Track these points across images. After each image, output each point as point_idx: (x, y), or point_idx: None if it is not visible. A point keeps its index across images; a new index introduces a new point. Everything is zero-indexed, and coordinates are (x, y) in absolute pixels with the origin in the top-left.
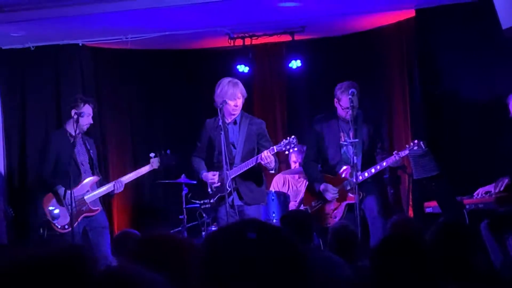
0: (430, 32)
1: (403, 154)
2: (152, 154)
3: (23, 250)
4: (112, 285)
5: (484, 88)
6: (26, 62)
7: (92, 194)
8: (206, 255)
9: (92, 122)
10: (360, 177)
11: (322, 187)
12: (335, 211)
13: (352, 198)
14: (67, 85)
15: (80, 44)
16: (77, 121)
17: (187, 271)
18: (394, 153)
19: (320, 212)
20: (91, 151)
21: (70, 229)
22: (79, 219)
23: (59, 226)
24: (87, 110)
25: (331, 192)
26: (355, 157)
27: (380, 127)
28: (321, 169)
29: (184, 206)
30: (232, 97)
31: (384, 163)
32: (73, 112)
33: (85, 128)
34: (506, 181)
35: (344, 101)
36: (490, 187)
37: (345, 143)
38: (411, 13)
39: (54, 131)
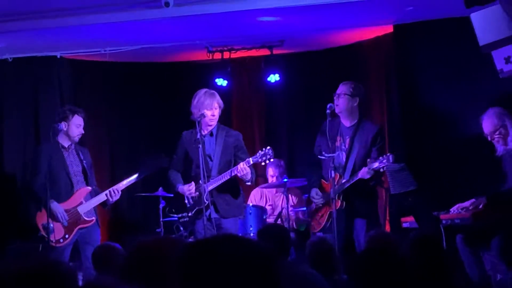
0: (408, 47)
1: (373, 167)
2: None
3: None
4: None
5: (461, 103)
6: (4, 74)
7: (86, 205)
8: (184, 269)
9: (83, 132)
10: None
11: (311, 192)
12: (321, 218)
13: (336, 205)
14: (46, 97)
15: (59, 56)
16: (66, 133)
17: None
18: (368, 161)
19: (313, 216)
20: (84, 161)
21: (64, 242)
22: (74, 231)
23: (54, 240)
24: (77, 120)
25: (315, 198)
26: (349, 162)
27: (377, 140)
28: (321, 174)
29: (161, 219)
30: (208, 107)
31: (358, 175)
32: (63, 124)
33: (76, 139)
34: (484, 201)
35: (339, 88)
36: (467, 203)
37: (325, 156)
38: (389, 29)
39: (45, 143)
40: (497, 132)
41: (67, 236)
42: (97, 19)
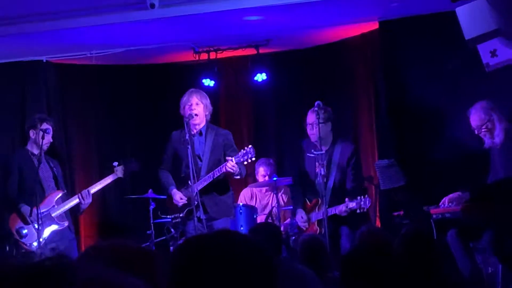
0: (394, 43)
1: (350, 206)
2: (115, 163)
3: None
4: None
5: (449, 98)
6: None
7: (59, 209)
8: (177, 264)
9: (51, 140)
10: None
11: (297, 214)
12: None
13: (313, 231)
14: (32, 101)
15: (44, 61)
16: (42, 137)
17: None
18: (344, 203)
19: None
20: (54, 168)
21: (38, 246)
22: (47, 234)
23: (27, 244)
24: (45, 128)
25: (301, 221)
26: (325, 188)
27: (351, 162)
28: (305, 193)
29: (151, 221)
30: (187, 102)
31: (335, 211)
32: (31, 132)
33: (45, 147)
34: (467, 196)
35: (308, 117)
36: (454, 195)
37: (314, 153)
38: (374, 25)
39: (16, 150)
40: (484, 127)
41: (40, 240)
42: (82, 22)
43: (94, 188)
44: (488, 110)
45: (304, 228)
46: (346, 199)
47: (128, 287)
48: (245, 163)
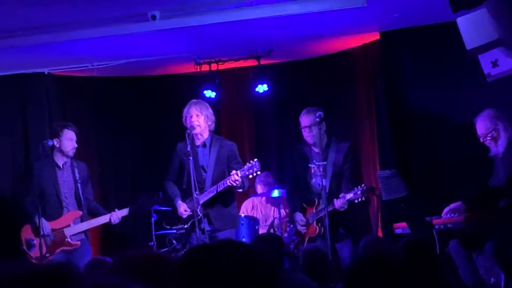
0: (395, 54)
1: (347, 198)
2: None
3: (5, 268)
4: None
5: (450, 108)
6: None
7: (74, 228)
8: (184, 269)
9: (76, 145)
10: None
11: (295, 217)
12: (301, 243)
13: (312, 232)
14: (34, 113)
15: (46, 73)
16: (59, 149)
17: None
18: (340, 195)
19: (295, 237)
20: (79, 181)
21: (45, 260)
22: (56, 252)
23: (34, 257)
24: (68, 135)
25: (299, 224)
26: (323, 180)
27: (348, 159)
28: (303, 198)
29: (153, 233)
30: (188, 114)
31: (334, 205)
32: (55, 141)
33: (71, 153)
34: (463, 206)
35: (303, 120)
36: (455, 205)
37: (313, 167)
38: (376, 36)
39: (38, 161)
40: (489, 135)
41: (47, 255)
42: (84, 34)
43: (125, 213)
44: (494, 119)
45: (303, 232)
46: (341, 194)
47: None
48: (250, 176)
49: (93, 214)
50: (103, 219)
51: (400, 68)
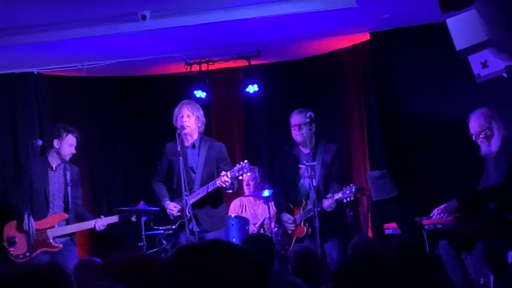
0: (386, 55)
1: (336, 198)
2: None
3: None
4: None
5: (440, 108)
6: None
7: (57, 229)
8: (172, 270)
9: (74, 152)
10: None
11: (282, 217)
12: (288, 242)
13: (300, 232)
14: (23, 113)
15: (36, 72)
16: (57, 151)
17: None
18: (328, 196)
19: (281, 238)
20: (69, 185)
21: (24, 259)
22: (36, 252)
23: (14, 255)
24: (70, 140)
25: (287, 223)
26: (313, 181)
27: (336, 159)
28: (289, 199)
29: (143, 233)
30: (179, 114)
31: (323, 205)
32: (55, 142)
33: (67, 158)
34: (455, 205)
35: (294, 119)
36: (444, 206)
37: (302, 168)
38: (366, 36)
39: (32, 159)
40: (483, 133)
41: (27, 254)
42: (74, 34)
43: (110, 221)
44: (488, 118)
45: (290, 231)
46: (329, 194)
47: None
48: (240, 178)
49: (79, 219)
50: (88, 224)
51: (390, 68)
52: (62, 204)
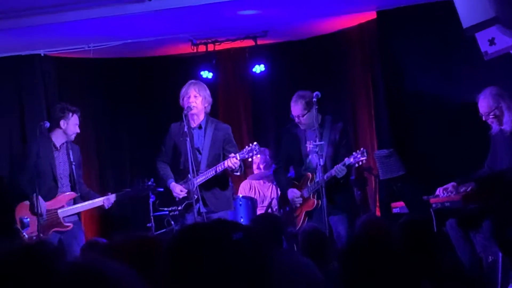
0: (392, 33)
1: (348, 162)
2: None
3: None
4: (80, 277)
5: (447, 87)
6: None
7: (68, 210)
8: (173, 251)
9: (79, 131)
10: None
11: (289, 193)
12: (297, 218)
13: (310, 205)
14: (30, 95)
15: (42, 54)
16: (64, 131)
17: (154, 266)
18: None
19: (287, 218)
20: (74, 162)
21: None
22: (49, 232)
23: (27, 236)
24: (75, 120)
25: (295, 197)
26: (321, 160)
27: (344, 136)
28: (294, 176)
29: (151, 214)
30: (185, 94)
31: (332, 172)
32: (62, 122)
33: (72, 137)
34: (472, 184)
35: (293, 110)
36: (448, 185)
37: (310, 146)
38: (372, 15)
39: (35, 141)
40: (492, 113)
41: (41, 235)
42: (80, 15)
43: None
44: (497, 97)
45: (298, 205)
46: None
47: (117, 275)
48: (250, 159)
49: (84, 198)
50: (96, 203)
51: (397, 47)
52: (69, 183)
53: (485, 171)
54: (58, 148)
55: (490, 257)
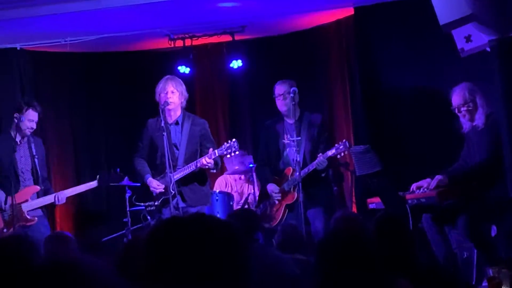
0: (369, 29)
1: (329, 154)
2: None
3: None
4: (57, 272)
5: (423, 83)
6: None
7: (32, 204)
8: (148, 247)
9: (34, 127)
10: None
11: (268, 188)
12: (277, 212)
13: (290, 198)
14: (6, 89)
15: (18, 48)
16: (17, 125)
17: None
18: (318, 155)
19: (266, 213)
20: (36, 157)
21: (2, 235)
22: (13, 227)
23: None
24: (30, 115)
25: (274, 192)
26: (298, 155)
27: (323, 131)
28: (273, 171)
29: (127, 209)
30: (162, 90)
31: (313, 164)
32: (15, 115)
33: (27, 132)
34: (441, 178)
35: (278, 89)
36: (422, 182)
37: (287, 141)
38: (350, 11)
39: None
40: (466, 106)
41: (5, 230)
42: (56, 9)
43: (71, 192)
44: (472, 92)
45: (277, 201)
46: (319, 153)
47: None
48: (228, 156)
49: (45, 193)
50: (47, 200)
51: (374, 43)
52: (31, 176)
53: (459, 166)
54: (19, 142)
55: (465, 253)
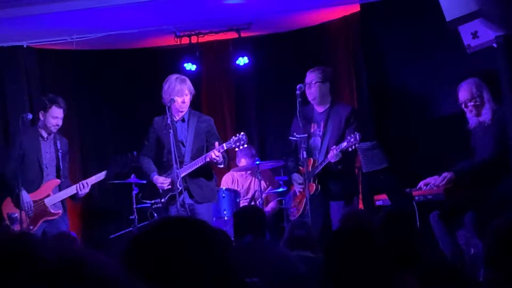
0: (376, 26)
1: (341, 147)
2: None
3: None
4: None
5: (430, 80)
6: None
7: (54, 198)
8: (128, 255)
9: (60, 124)
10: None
11: (293, 177)
12: (299, 204)
13: (310, 189)
14: (13, 87)
15: (25, 46)
16: (42, 123)
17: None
18: (332, 147)
19: (293, 203)
20: (60, 151)
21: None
22: (39, 223)
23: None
24: (54, 112)
25: (297, 182)
26: (321, 146)
27: (350, 124)
28: (296, 161)
29: (134, 206)
30: (179, 93)
31: (328, 158)
32: (40, 114)
33: (53, 129)
34: (449, 176)
35: (308, 77)
36: (430, 179)
37: (296, 137)
38: (356, 8)
39: (24, 130)
40: (473, 101)
41: (31, 227)
42: (63, 6)
43: (95, 181)
44: (480, 87)
45: (298, 192)
46: (333, 146)
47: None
48: (237, 149)
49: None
50: (70, 191)
51: (380, 40)
52: (55, 172)
53: (466, 163)
54: (45, 138)
55: (472, 249)
